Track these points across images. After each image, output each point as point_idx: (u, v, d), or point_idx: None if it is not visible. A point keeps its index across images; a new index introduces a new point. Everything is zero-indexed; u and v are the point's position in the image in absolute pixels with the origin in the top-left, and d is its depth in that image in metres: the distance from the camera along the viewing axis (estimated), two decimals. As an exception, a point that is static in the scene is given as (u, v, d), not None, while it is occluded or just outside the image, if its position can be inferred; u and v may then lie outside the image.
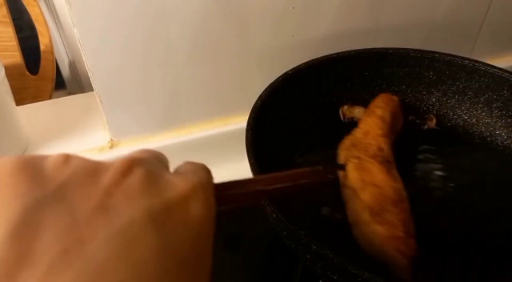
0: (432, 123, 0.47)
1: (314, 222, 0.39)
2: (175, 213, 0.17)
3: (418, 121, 0.48)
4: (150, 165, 0.19)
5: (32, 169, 0.17)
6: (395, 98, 0.46)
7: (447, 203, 0.38)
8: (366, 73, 0.49)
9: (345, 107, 0.48)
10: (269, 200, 0.32)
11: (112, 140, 0.50)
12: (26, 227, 0.15)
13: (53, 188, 0.16)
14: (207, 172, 0.22)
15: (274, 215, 0.32)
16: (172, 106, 0.50)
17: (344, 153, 0.40)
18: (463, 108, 0.48)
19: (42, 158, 0.18)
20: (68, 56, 0.76)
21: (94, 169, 0.18)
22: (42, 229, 0.15)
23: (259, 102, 0.42)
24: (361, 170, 0.36)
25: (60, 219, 0.15)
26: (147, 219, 0.16)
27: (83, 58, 0.44)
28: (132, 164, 0.18)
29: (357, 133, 0.41)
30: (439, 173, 0.39)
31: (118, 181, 0.17)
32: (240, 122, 0.51)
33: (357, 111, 0.48)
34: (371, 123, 0.41)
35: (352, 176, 0.36)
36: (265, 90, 0.44)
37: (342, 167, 0.37)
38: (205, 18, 0.44)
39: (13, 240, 0.14)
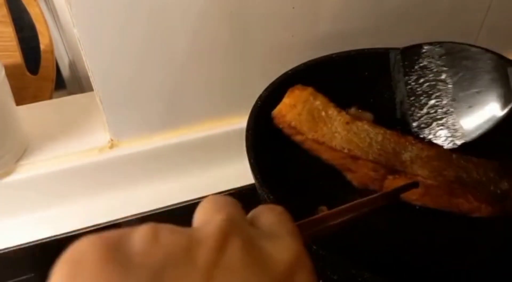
0: None
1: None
2: None
3: None
4: (241, 230, 0.17)
5: (119, 253, 0.15)
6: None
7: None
8: (366, 73, 0.49)
9: (352, 110, 0.48)
10: (270, 200, 0.32)
11: (112, 140, 0.50)
12: None
13: (148, 275, 0.15)
14: (293, 223, 0.20)
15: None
16: (172, 107, 0.50)
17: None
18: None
19: (127, 236, 0.16)
20: (68, 56, 0.76)
21: (186, 245, 0.16)
22: None
23: (259, 102, 0.42)
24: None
25: None
26: None
27: (83, 58, 0.44)
28: (225, 234, 0.17)
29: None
30: None
31: (216, 259, 0.16)
32: (240, 122, 0.51)
33: (363, 114, 0.48)
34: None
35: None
36: (265, 90, 0.44)
37: (410, 187, 0.36)
38: (204, 18, 0.44)
39: None
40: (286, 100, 0.41)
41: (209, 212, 0.19)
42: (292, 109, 0.40)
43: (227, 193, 0.50)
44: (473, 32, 0.58)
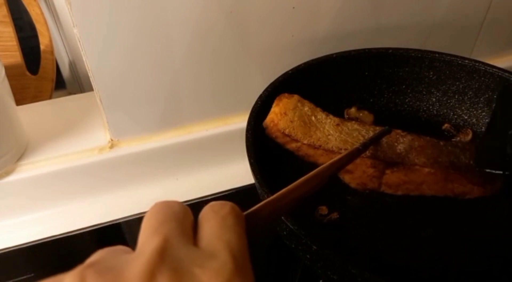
0: (467, 137, 0.46)
1: (314, 222, 0.39)
2: None
3: (452, 131, 0.47)
4: (173, 258, 0.17)
5: None
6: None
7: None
8: (366, 73, 0.49)
9: (353, 109, 0.48)
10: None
11: (112, 140, 0.50)
12: None
13: None
14: (236, 229, 0.20)
15: (274, 215, 0.32)
16: (172, 106, 0.50)
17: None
18: (463, 108, 0.48)
19: None
20: (68, 56, 0.76)
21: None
22: None
23: (259, 102, 0.42)
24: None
25: None
26: None
27: (83, 58, 0.44)
28: (153, 270, 0.17)
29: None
30: None
31: None
32: (240, 122, 0.51)
33: (363, 114, 0.48)
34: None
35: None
36: (266, 90, 0.44)
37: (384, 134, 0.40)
38: (204, 18, 0.44)
39: None
40: (276, 109, 0.41)
41: (148, 232, 0.18)
42: (284, 117, 0.40)
43: (227, 193, 0.50)
44: (473, 32, 0.58)
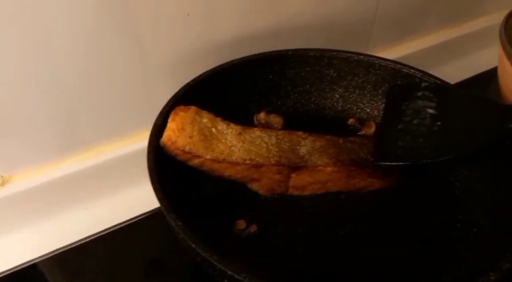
0: (371, 129, 0.47)
1: (232, 238, 0.38)
2: None
3: (357, 125, 0.49)
4: None
5: None
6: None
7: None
8: (270, 76, 0.49)
9: (262, 114, 0.47)
10: (180, 225, 0.30)
11: (2, 176, 0.45)
12: None
13: None
14: None
15: (185, 243, 0.30)
16: (69, 129, 0.46)
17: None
18: (364, 101, 0.50)
19: None
20: None
21: None
22: None
23: (160, 119, 0.39)
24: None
25: None
26: None
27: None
28: None
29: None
30: (430, 110, 0.41)
31: None
32: (145, 139, 0.48)
33: (272, 118, 0.47)
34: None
35: None
36: (166, 104, 0.41)
37: None
38: (95, 29, 0.40)
39: None
40: (172, 125, 0.39)
41: None
42: (182, 133, 0.38)
43: (141, 217, 0.47)
44: (367, 28, 0.60)
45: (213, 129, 0.40)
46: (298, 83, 0.50)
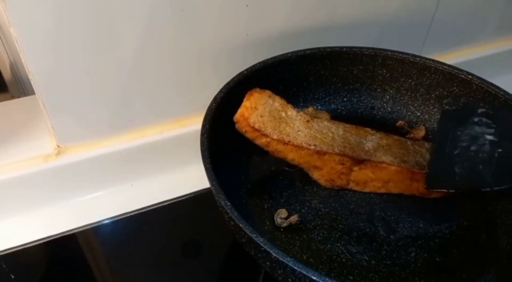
0: (421, 133, 0.46)
1: (274, 226, 0.38)
2: None
3: (406, 128, 0.48)
4: None
5: None
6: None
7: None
8: (322, 72, 0.49)
9: (310, 109, 0.48)
10: (229, 205, 0.31)
11: (58, 146, 0.47)
12: None
13: None
14: None
15: (232, 223, 0.31)
16: (123, 108, 0.48)
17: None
18: (415, 105, 0.49)
19: None
20: (8, 57, 0.71)
21: None
22: None
23: (214, 104, 0.40)
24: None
25: None
26: None
27: (22, 59, 0.40)
28: None
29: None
30: (489, 137, 0.40)
31: None
32: (195, 124, 0.49)
33: (320, 113, 0.48)
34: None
35: None
36: (220, 91, 0.42)
37: None
38: (154, 17, 0.42)
39: None
40: (247, 103, 0.40)
41: None
42: (254, 111, 0.39)
43: (184, 197, 0.48)
44: (423, 30, 0.59)
45: (283, 114, 0.41)
46: (349, 81, 0.49)
